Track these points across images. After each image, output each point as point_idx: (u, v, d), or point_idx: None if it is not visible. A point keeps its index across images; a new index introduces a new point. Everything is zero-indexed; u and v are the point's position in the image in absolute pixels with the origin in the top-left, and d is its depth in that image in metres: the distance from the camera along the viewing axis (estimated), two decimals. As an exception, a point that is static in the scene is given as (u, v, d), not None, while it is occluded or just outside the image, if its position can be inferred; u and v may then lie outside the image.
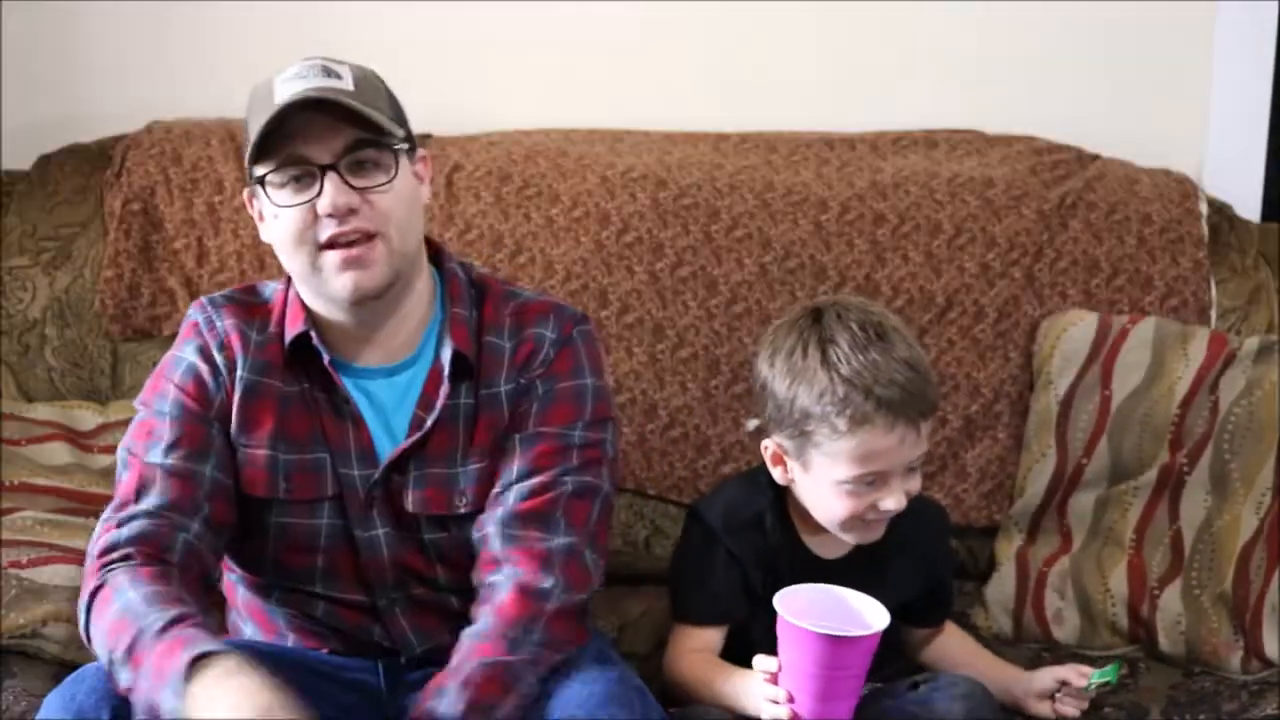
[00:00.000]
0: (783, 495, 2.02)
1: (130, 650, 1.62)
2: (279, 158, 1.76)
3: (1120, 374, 2.39)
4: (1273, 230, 2.58)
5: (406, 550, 1.87)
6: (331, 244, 1.77)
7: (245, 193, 1.86)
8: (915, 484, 1.96)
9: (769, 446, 1.98)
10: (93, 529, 1.79)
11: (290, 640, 1.93)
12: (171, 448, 1.81)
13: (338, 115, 1.75)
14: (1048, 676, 2.03)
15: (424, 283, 1.88)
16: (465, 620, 1.86)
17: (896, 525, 2.01)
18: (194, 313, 1.90)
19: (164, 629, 1.61)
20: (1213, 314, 2.49)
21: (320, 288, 1.80)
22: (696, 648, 1.98)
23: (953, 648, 2.17)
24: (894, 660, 2.07)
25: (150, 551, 1.74)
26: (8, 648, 2.06)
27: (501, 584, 1.78)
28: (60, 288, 2.44)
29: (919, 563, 2.07)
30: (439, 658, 1.81)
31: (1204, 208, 2.55)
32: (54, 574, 2.09)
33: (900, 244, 2.48)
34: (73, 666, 1.97)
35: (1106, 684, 1.99)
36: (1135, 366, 2.39)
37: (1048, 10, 2.68)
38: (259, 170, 1.78)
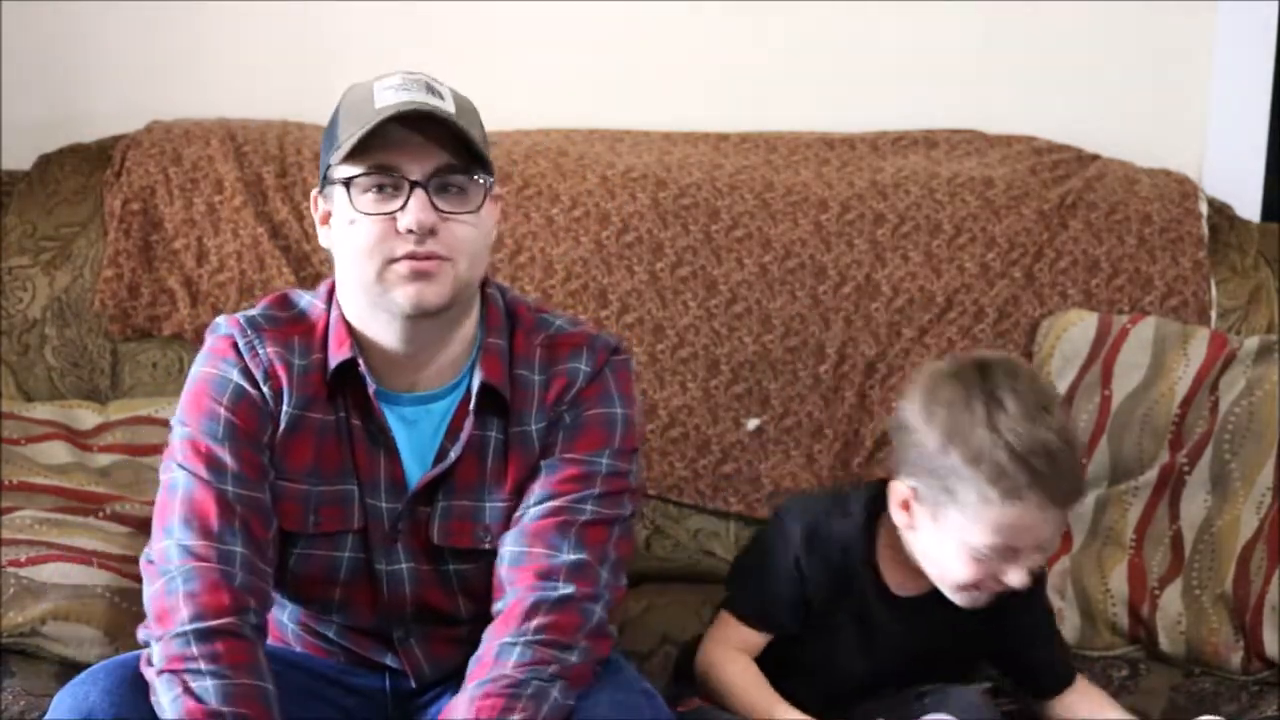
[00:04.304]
0: (873, 523, 1.96)
1: None
2: (370, 163, 1.71)
3: (1120, 374, 2.39)
4: (1273, 230, 2.58)
5: (429, 586, 1.83)
6: (401, 259, 1.73)
7: (314, 193, 1.81)
8: (1041, 562, 1.90)
9: (900, 490, 1.90)
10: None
11: (297, 650, 1.90)
12: (238, 477, 1.75)
13: (436, 134, 1.71)
14: None
15: (473, 312, 1.83)
16: None
17: None
18: (229, 330, 1.81)
19: None
20: (1213, 314, 2.48)
21: (379, 298, 1.74)
22: (737, 644, 1.96)
23: (1078, 705, 2.05)
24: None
25: (228, 630, 1.68)
26: (7, 646, 2.05)
27: (502, 603, 1.75)
28: (60, 287, 2.44)
29: (994, 621, 1.98)
30: (452, 680, 1.80)
31: (1204, 208, 2.55)
32: (53, 572, 2.09)
33: (900, 244, 2.48)
34: (72, 665, 1.98)
35: None
36: (1135, 366, 2.39)
37: (1048, 11, 2.68)
38: (345, 172, 1.72)
